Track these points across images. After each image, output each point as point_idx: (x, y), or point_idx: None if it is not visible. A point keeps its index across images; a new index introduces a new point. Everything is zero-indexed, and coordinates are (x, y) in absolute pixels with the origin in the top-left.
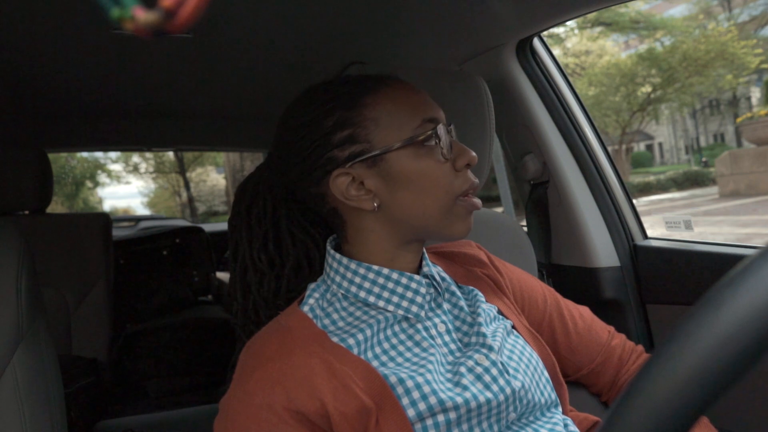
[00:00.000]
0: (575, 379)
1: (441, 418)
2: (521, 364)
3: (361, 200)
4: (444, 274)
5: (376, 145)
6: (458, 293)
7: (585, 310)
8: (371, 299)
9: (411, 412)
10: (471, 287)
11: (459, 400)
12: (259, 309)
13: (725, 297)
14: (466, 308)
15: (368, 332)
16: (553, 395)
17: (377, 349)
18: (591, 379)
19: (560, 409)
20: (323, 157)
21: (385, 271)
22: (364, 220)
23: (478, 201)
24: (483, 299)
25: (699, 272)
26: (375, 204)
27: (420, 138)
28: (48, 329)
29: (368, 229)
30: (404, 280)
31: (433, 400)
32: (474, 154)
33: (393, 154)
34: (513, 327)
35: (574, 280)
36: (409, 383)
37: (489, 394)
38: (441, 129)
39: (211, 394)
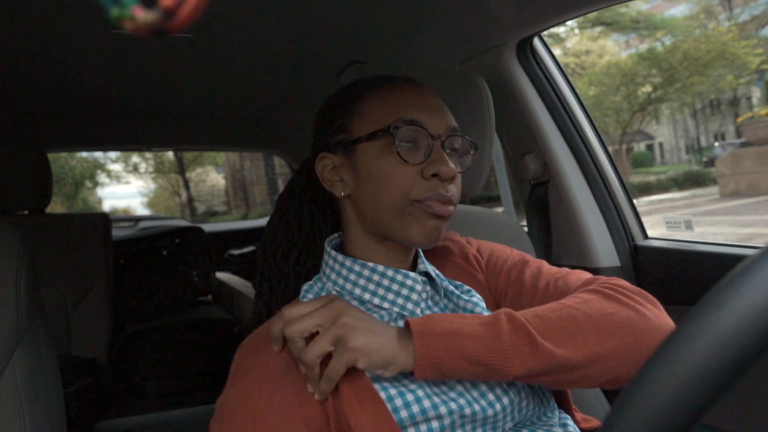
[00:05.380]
0: None
1: (435, 424)
2: None
3: (334, 185)
4: (437, 272)
5: (353, 136)
6: (457, 292)
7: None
8: (366, 296)
9: (404, 414)
10: (464, 284)
11: (452, 406)
12: (272, 276)
13: (726, 297)
14: (461, 305)
15: None
16: (552, 401)
17: None
18: None
19: (557, 411)
20: (321, 139)
21: (380, 268)
22: (345, 208)
23: (443, 207)
24: (479, 299)
25: (699, 272)
26: (343, 192)
27: (379, 134)
28: (47, 329)
29: (347, 218)
30: (399, 278)
31: (415, 408)
32: (451, 168)
33: (361, 147)
34: None
35: None
36: (392, 391)
37: (483, 403)
38: (405, 130)
39: (211, 394)
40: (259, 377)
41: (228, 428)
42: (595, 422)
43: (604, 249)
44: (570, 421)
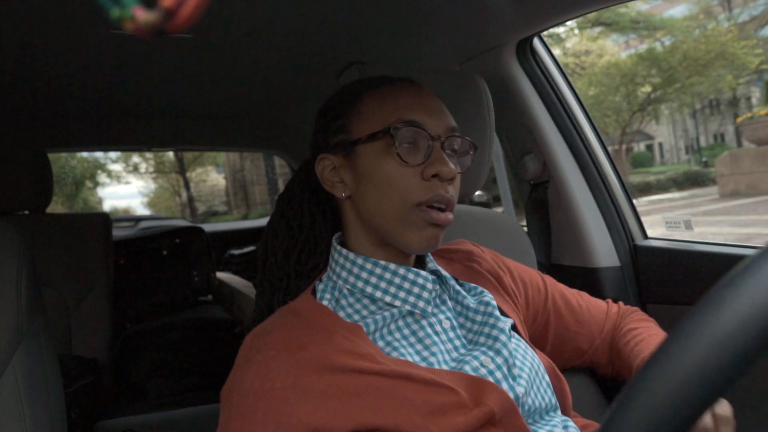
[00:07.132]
0: (591, 361)
1: None
2: (525, 367)
3: (334, 186)
4: (445, 272)
5: (352, 137)
6: (462, 291)
7: (582, 293)
8: (377, 294)
9: None
10: (475, 285)
11: None
12: (273, 276)
13: (725, 297)
14: (472, 305)
15: (372, 328)
16: (554, 399)
17: (380, 343)
18: (601, 355)
19: (559, 412)
20: (320, 139)
21: (392, 266)
22: (345, 209)
23: (442, 216)
24: (491, 297)
25: (699, 272)
26: (343, 193)
27: (379, 135)
28: (48, 329)
29: (348, 219)
30: (411, 276)
31: None
32: (451, 168)
33: (361, 148)
34: (513, 326)
35: (574, 280)
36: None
37: None
38: (405, 131)
39: (211, 394)
40: (268, 358)
41: (238, 412)
42: (594, 425)
43: (603, 249)
44: (571, 423)
